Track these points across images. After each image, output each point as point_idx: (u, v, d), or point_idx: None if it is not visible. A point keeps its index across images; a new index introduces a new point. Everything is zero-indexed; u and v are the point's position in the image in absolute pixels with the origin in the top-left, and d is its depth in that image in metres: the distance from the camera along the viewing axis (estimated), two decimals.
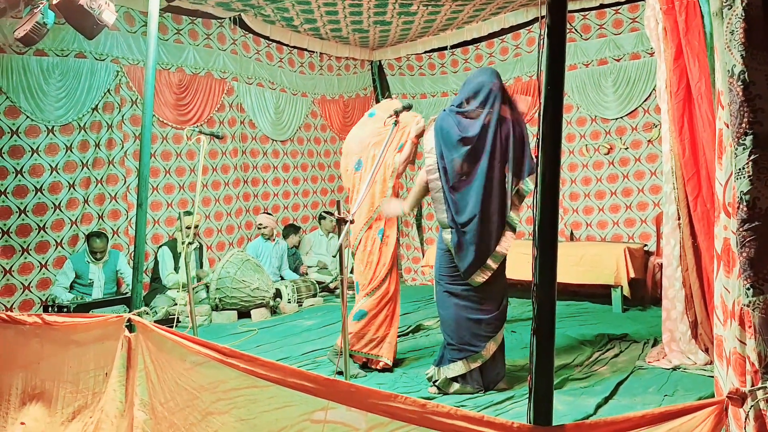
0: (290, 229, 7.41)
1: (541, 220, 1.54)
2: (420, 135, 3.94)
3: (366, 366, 4.12)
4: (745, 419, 1.43)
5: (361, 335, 4.04)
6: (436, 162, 3.57)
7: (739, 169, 1.46)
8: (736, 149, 1.47)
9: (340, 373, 2.96)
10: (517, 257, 6.24)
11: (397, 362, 4.24)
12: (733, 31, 1.45)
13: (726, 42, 1.49)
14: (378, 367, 4.07)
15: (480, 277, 3.50)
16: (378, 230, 4.11)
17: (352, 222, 2.72)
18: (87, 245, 5.58)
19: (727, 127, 1.65)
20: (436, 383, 3.61)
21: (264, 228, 6.93)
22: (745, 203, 1.45)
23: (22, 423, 3.13)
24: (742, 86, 1.44)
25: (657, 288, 5.65)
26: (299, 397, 2.00)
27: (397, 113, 3.54)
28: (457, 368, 3.53)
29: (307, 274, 7.24)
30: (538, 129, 1.55)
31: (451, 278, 3.60)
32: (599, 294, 5.96)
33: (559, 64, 1.50)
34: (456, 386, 3.55)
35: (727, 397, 1.43)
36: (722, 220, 1.75)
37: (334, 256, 7.62)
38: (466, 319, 3.53)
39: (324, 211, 7.83)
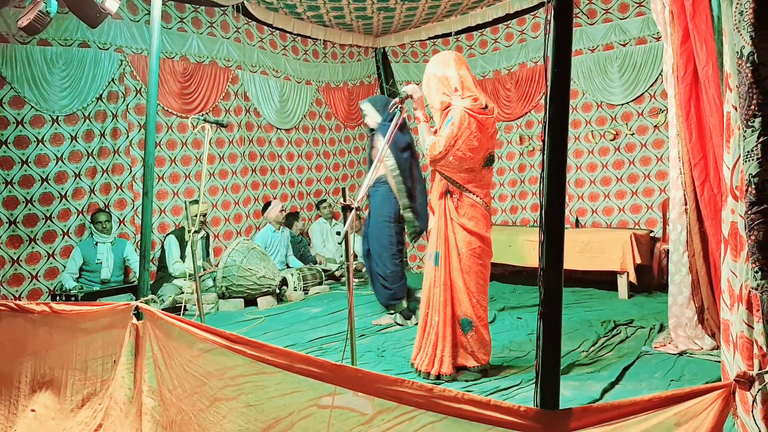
0: (292, 218, 7.45)
1: (548, 204, 1.54)
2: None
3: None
4: (753, 403, 1.43)
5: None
6: None
7: (748, 152, 1.45)
8: (745, 132, 1.46)
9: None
10: (523, 244, 6.29)
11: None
12: (742, 11, 1.43)
13: (735, 23, 1.48)
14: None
15: None
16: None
17: (357, 209, 2.71)
18: (92, 224, 5.63)
19: (735, 110, 1.63)
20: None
21: (285, 211, 7.07)
22: (753, 186, 1.44)
23: (33, 410, 3.16)
24: (751, 68, 1.42)
25: (663, 274, 5.64)
26: (306, 382, 2.01)
27: (401, 100, 3.56)
28: None
29: (319, 263, 7.30)
30: (545, 114, 1.53)
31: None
32: (605, 280, 5.95)
33: (566, 45, 1.48)
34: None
35: (734, 380, 1.43)
36: (729, 204, 1.73)
37: (340, 243, 7.62)
38: None
39: (320, 200, 7.93)
